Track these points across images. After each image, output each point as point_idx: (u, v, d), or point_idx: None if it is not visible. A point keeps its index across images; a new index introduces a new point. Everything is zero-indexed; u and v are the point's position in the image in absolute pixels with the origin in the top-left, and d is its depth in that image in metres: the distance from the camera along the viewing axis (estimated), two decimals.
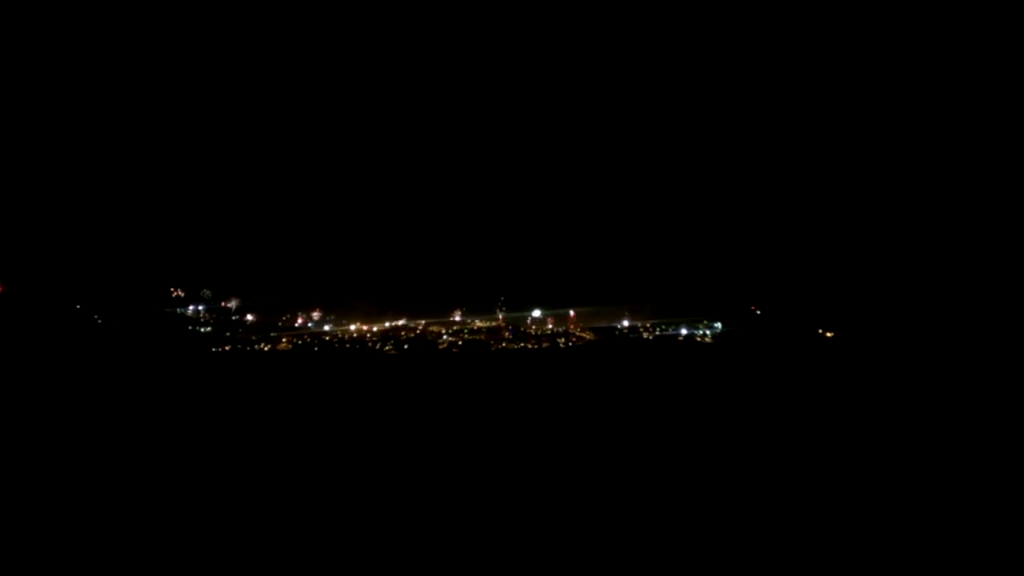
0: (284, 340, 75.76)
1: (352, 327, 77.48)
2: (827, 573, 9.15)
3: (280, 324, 77.82)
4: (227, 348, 72.96)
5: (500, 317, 77.10)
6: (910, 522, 10.73)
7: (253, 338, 75.49)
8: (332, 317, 78.09)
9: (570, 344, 75.82)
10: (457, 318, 77.99)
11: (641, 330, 76.35)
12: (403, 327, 77.55)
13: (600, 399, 30.81)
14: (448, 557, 9.57)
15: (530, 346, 75.35)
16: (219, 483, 13.57)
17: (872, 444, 17.50)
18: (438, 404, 28.64)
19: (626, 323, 76.96)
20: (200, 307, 75.81)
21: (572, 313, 78.06)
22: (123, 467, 15.02)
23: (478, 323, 78.07)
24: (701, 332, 74.95)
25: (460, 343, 76.09)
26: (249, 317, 77.57)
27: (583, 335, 76.90)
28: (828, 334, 72.49)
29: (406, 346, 75.50)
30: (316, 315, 78.19)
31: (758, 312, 75.96)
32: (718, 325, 74.74)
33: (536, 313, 78.22)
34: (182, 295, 74.60)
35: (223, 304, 76.81)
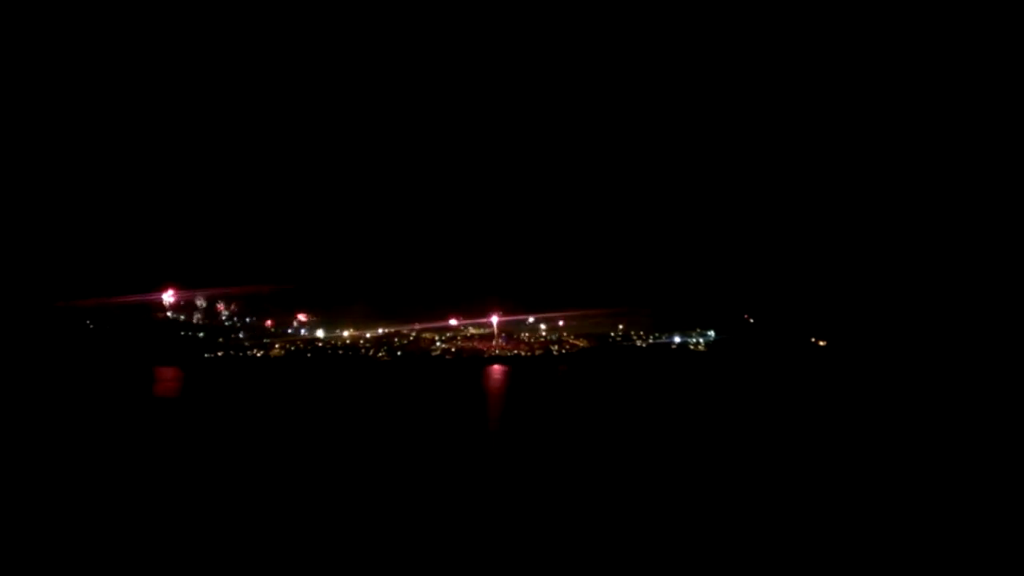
0: (277, 346, 75.52)
1: (345, 333, 77.22)
2: (815, 572, 9.20)
3: (273, 330, 77.49)
4: (219, 354, 72.71)
5: (494, 324, 76.94)
6: (898, 525, 10.80)
7: (246, 344, 75.22)
8: (325, 323, 77.83)
9: (564, 351, 75.72)
10: (451, 324, 77.78)
11: (635, 338, 76.30)
12: (396, 333, 77.33)
13: (593, 407, 30.77)
14: (444, 559, 9.56)
15: (523, 353, 75.20)
16: (213, 488, 13.54)
17: (865, 450, 17.55)
18: (431, 411, 28.58)
19: (620, 330, 76.94)
20: (193, 313, 75.55)
21: (565, 320, 77.96)
22: (115, 471, 14.96)
23: (472, 330, 77.89)
24: (695, 340, 74.98)
25: (453, 350, 75.94)
26: (242, 323, 77.33)
27: (577, 342, 76.76)
28: (821, 343, 72.59)
29: (399, 352, 75.33)
30: (309, 321, 77.94)
31: (751, 321, 76.04)
32: (711, 333, 74.81)
33: (530, 320, 78.08)
34: (176, 300, 74.28)
35: (216, 310, 76.56)
